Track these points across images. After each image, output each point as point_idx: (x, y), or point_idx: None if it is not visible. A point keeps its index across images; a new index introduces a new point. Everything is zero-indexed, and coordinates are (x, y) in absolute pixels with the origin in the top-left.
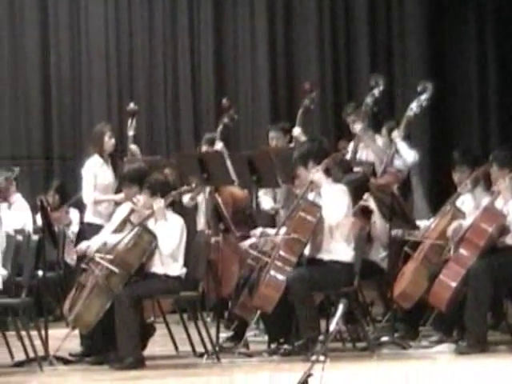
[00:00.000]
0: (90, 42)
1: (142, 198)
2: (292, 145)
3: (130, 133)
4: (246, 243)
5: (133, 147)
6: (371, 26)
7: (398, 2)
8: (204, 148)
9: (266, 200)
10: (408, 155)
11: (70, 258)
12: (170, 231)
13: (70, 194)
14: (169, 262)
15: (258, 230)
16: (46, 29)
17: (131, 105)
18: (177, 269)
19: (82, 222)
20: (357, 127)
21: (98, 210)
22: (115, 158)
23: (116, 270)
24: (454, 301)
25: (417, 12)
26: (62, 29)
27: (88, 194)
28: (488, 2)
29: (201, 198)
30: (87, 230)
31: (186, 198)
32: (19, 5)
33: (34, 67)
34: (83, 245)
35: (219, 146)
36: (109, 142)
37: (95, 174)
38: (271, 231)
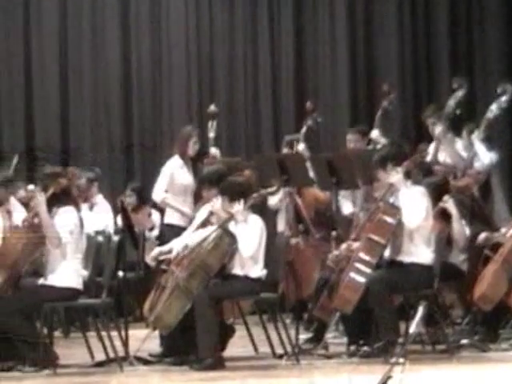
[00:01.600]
0: (170, 41)
1: (221, 201)
2: (370, 147)
3: (211, 135)
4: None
5: (213, 150)
6: (452, 26)
7: (477, 2)
8: (284, 150)
9: (346, 205)
10: (485, 157)
11: (151, 259)
12: (250, 234)
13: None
14: (249, 263)
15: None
16: (127, 29)
17: (212, 107)
18: (257, 270)
19: (162, 224)
20: (437, 129)
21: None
22: (196, 161)
23: (195, 272)
24: None
25: (498, 13)
26: (142, 28)
27: (158, 191)
28: None
29: (281, 200)
30: (168, 232)
31: (273, 200)
32: (101, 3)
33: (115, 67)
34: (164, 248)
35: (302, 147)
36: (193, 146)
37: (173, 174)
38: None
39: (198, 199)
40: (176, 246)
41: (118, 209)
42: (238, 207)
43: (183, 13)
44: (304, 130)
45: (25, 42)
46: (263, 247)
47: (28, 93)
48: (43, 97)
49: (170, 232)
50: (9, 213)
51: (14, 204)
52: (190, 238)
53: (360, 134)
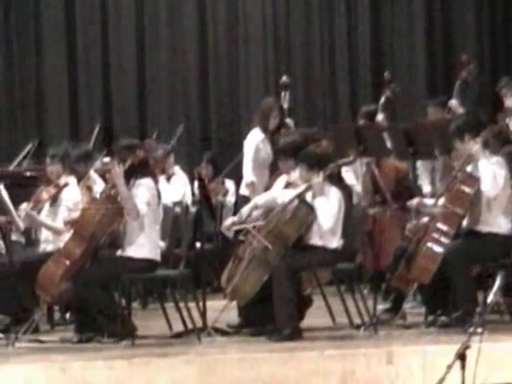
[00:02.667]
0: (247, 16)
1: (298, 170)
2: (448, 117)
3: (285, 105)
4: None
5: (287, 120)
6: None
7: None
8: (360, 121)
9: (424, 184)
10: None
11: (223, 229)
12: (329, 206)
13: (224, 165)
14: (328, 235)
15: (415, 201)
16: (204, 5)
17: (284, 78)
18: (334, 241)
19: (237, 194)
20: (508, 101)
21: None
22: (273, 133)
23: (272, 243)
24: None
25: None
26: (219, 5)
27: (248, 171)
28: None
29: (358, 171)
30: (242, 203)
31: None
32: None
33: (192, 44)
34: (237, 218)
35: (380, 117)
36: (274, 120)
37: (257, 148)
38: (429, 202)
39: (273, 170)
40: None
41: (195, 180)
42: (317, 179)
43: None
44: (382, 100)
45: (102, 16)
46: (342, 218)
47: (105, 69)
48: (120, 71)
49: (245, 204)
50: (89, 189)
51: (93, 176)
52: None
53: (440, 106)
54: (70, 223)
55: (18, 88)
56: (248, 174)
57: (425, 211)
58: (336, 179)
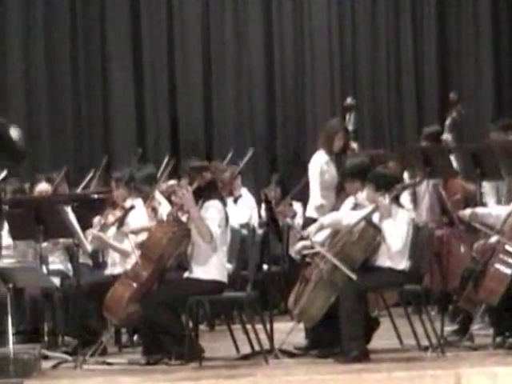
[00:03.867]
0: (313, 38)
1: (365, 191)
2: None
3: (350, 127)
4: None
5: (352, 143)
6: None
7: None
8: (423, 142)
9: (490, 203)
10: None
11: (294, 253)
12: (396, 227)
13: (291, 187)
14: (395, 256)
15: (467, 211)
16: (270, 26)
17: (348, 100)
18: (402, 262)
19: (304, 216)
20: None
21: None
22: (337, 154)
23: (340, 264)
24: None
25: None
26: (285, 27)
27: (316, 194)
28: None
29: (424, 191)
30: (310, 225)
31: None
32: (243, 3)
33: (258, 65)
34: (308, 242)
35: (447, 138)
36: (339, 142)
37: (322, 170)
38: (480, 211)
39: (339, 192)
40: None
41: (262, 202)
42: (384, 200)
43: (325, 5)
44: (448, 121)
45: (168, 35)
46: (410, 240)
47: (171, 90)
48: (187, 91)
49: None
50: (154, 210)
51: (159, 198)
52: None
53: (504, 130)
54: (138, 246)
55: (85, 110)
56: (316, 196)
57: (476, 221)
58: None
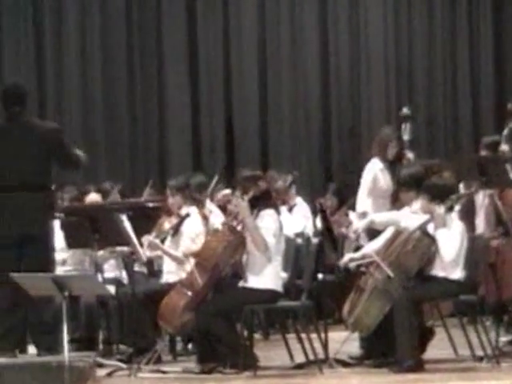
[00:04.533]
0: (368, 45)
1: (420, 201)
2: None
3: (405, 137)
4: None
5: (408, 153)
6: None
7: None
8: (483, 152)
9: None
10: None
11: (342, 264)
12: (451, 237)
13: (348, 196)
14: (450, 266)
15: None
16: (326, 37)
17: (404, 109)
18: (457, 272)
19: None
20: None
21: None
22: (392, 163)
23: (394, 274)
24: None
25: None
26: (341, 37)
27: (362, 201)
28: None
29: (480, 201)
30: (365, 234)
31: None
32: (299, 10)
33: (314, 74)
34: (357, 254)
35: (504, 148)
36: (393, 150)
37: (375, 178)
38: None
39: (394, 201)
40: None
41: (317, 211)
42: (438, 210)
43: (381, 13)
44: (506, 131)
45: (224, 43)
46: (464, 250)
47: (227, 99)
48: (242, 102)
49: (367, 234)
50: (205, 218)
51: (211, 207)
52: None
53: None
54: (193, 255)
55: (141, 119)
56: (362, 203)
57: None
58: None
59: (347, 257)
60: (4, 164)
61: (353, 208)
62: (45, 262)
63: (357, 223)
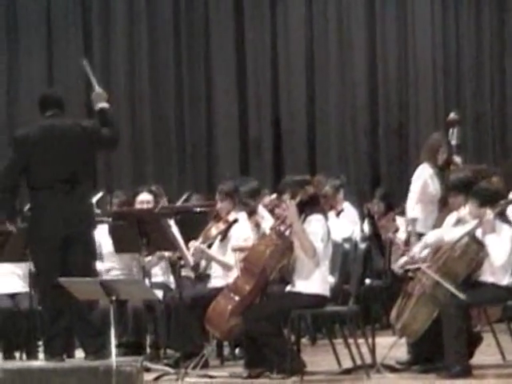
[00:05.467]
0: (416, 52)
1: (469, 206)
2: None
3: (453, 142)
4: None
5: (455, 158)
6: None
7: None
8: None
9: None
10: None
11: (397, 267)
12: (500, 243)
13: (396, 202)
14: (499, 271)
15: None
16: (374, 41)
17: (452, 114)
18: (506, 278)
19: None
20: None
21: (424, 220)
22: (441, 168)
23: (442, 280)
24: None
25: None
26: (389, 42)
27: (411, 205)
28: None
29: None
30: (414, 240)
31: None
32: (346, 20)
33: (361, 80)
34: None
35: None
36: (442, 155)
37: (425, 183)
38: None
39: (442, 206)
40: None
41: (365, 216)
42: (487, 216)
43: (429, 20)
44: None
45: (272, 47)
46: None
47: (275, 107)
48: (290, 107)
49: (415, 240)
50: (257, 225)
51: (263, 213)
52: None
53: None
54: (241, 261)
55: (189, 124)
56: (411, 209)
57: None
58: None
59: (403, 260)
60: (45, 163)
61: (401, 213)
62: (89, 262)
63: (412, 251)
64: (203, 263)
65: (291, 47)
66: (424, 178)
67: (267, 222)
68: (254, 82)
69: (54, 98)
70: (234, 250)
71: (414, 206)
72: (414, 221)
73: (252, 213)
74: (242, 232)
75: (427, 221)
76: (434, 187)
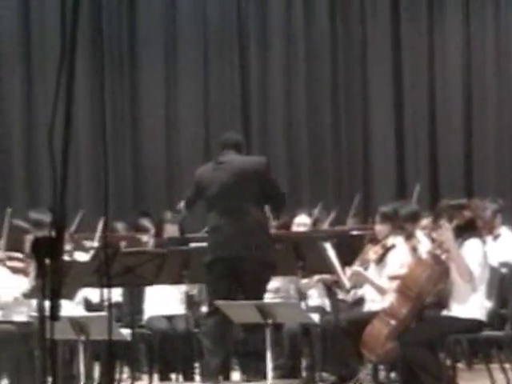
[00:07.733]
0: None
1: None
2: None
3: None
4: None
5: None
6: None
7: None
8: None
9: None
10: None
11: None
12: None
13: None
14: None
15: None
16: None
17: None
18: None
19: None
20: None
21: None
22: None
23: None
24: None
25: None
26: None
27: None
28: None
29: None
30: None
31: None
32: (505, 35)
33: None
34: None
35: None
36: None
37: None
38: None
39: None
40: None
41: None
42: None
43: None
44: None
45: (429, 73)
46: None
47: (431, 126)
48: (445, 130)
49: None
50: (414, 249)
51: (419, 237)
52: None
53: None
54: (397, 281)
55: (345, 151)
56: None
57: None
58: None
59: None
60: (222, 192)
61: None
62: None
63: None
64: (359, 292)
65: (448, 74)
66: None
67: (424, 246)
68: (411, 109)
69: (233, 139)
70: (391, 278)
71: None
72: None
73: (409, 237)
74: (399, 258)
75: None
76: None
